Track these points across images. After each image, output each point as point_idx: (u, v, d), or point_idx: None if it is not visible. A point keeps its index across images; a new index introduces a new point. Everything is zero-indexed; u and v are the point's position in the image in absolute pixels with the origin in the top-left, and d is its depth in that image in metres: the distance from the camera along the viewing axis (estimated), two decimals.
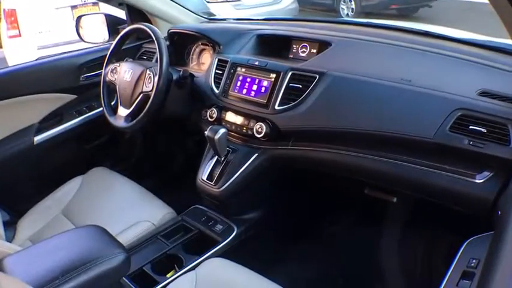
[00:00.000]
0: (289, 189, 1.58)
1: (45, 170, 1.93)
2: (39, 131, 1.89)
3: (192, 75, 1.67)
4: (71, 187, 1.81)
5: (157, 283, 1.31)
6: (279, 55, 1.55)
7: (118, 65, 1.71)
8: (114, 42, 1.74)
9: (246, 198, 1.50)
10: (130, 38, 1.98)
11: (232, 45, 1.61)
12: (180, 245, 1.45)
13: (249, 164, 1.42)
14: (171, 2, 1.99)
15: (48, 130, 1.90)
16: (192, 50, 1.86)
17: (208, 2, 5.79)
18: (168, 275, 1.35)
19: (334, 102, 1.24)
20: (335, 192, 1.58)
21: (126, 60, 1.75)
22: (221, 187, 1.43)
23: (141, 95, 1.57)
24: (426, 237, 1.56)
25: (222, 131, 1.37)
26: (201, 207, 1.61)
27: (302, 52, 1.54)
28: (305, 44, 1.53)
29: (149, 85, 1.54)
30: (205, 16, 2.09)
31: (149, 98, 1.52)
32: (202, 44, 1.80)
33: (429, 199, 1.17)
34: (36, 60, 2.02)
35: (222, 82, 1.52)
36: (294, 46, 1.57)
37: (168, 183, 2.08)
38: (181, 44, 1.86)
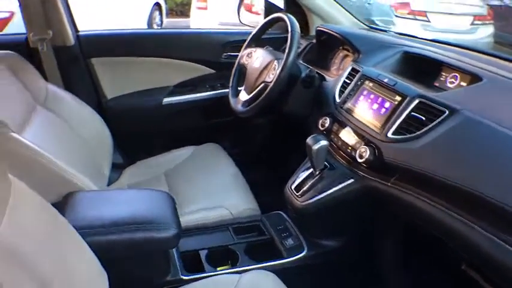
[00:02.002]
0: (379, 230, 1.37)
1: (166, 131, 2.03)
2: (171, 93, 1.99)
3: (322, 78, 1.56)
4: (181, 154, 1.88)
5: (203, 271, 1.27)
6: (421, 80, 1.33)
7: (254, 50, 1.69)
8: (256, 28, 1.72)
9: (326, 223, 1.34)
10: (281, 29, 1.96)
11: (372, 56, 1.45)
12: (245, 244, 1.38)
13: (341, 187, 1.25)
14: (334, 2, 1.89)
15: (178, 95, 2.00)
16: (336, 54, 1.74)
17: (397, 16, 5.55)
18: (218, 268, 1.29)
19: (456, 148, 1.00)
20: (429, 250, 1.30)
21: (266, 48, 1.72)
22: (305, 201, 1.30)
23: (262, 84, 1.53)
24: None
25: (323, 143, 1.23)
26: (284, 215, 1.51)
27: (450, 83, 1.29)
28: (456, 74, 1.28)
29: (271, 76, 1.48)
30: (366, 24, 1.95)
31: (267, 88, 1.46)
32: (344, 48, 1.66)
33: None
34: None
35: (346, 92, 1.38)
36: (443, 74, 1.33)
37: (270, 180, 2.02)
38: (328, 45, 1.76)
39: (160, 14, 6.99)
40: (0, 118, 1.19)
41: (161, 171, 1.80)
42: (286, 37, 1.96)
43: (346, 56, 1.69)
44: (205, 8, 4.66)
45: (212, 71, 2.02)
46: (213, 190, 1.60)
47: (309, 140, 1.26)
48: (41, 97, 1.54)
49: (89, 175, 1.46)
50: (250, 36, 1.73)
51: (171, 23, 7.32)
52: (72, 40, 1.77)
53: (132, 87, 1.97)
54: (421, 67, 1.37)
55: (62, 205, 1.14)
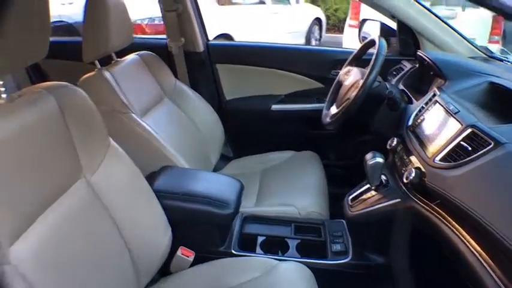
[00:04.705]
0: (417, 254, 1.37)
1: (271, 134, 2.26)
2: (281, 101, 2.22)
3: (409, 101, 1.60)
4: (281, 156, 2.10)
5: (251, 251, 1.45)
6: (505, 113, 1.30)
7: (352, 69, 1.80)
8: (357, 49, 1.83)
9: (372, 236, 1.40)
10: (393, 51, 2.04)
11: (458, 83, 1.44)
12: (299, 240, 1.51)
13: (388, 204, 1.31)
14: (448, 28, 1.88)
15: (287, 104, 2.22)
16: (434, 80, 1.75)
17: None
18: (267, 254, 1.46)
19: (491, 183, 0.99)
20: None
21: (365, 68, 1.81)
22: (355, 212, 1.39)
23: (347, 100, 1.63)
24: None
25: (378, 160, 1.32)
26: (345, 224, 1.59)
27: None
28: None
29: (353, 94, 1.58)
30: (484, 51, 1.88)
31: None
32: (437, 74, 1.67)
33: None
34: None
35: (418, 116, 1.42)
36: None
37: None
38: (428, 70, 1.77)
39: (320, 29, 7.31)
40: (130, 101, 1.58)
41: (259, 168, 2.04)
42: (397, 60, 2.03)
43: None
44: (357, 26, 4.78)
45: (321, 85, 2.19)
46: (292, 191, 1.77)
47: (367, 155, 1.35)
48: (169, 91, 1.91)
49: (195, 160, 1.79)
50: (351, 56, 1.84)
51: (329, 39, 7.56)
52: (201, 47, 2.14)
53: (248, 92, 2.26)
54: (507, 100, 1.33)
55: (154, 174, 1.46)
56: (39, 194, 0.91)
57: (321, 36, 7.39)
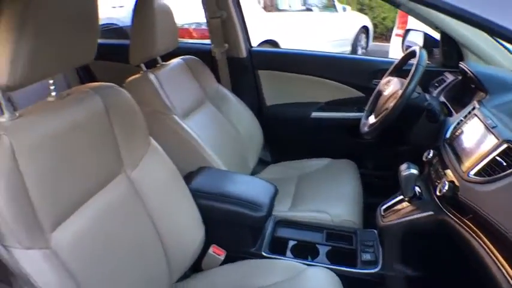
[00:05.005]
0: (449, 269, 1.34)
1: (310, 141, 2.28)
2: (320, 109, 2.24)
3: (449, 114, 1.58)
4: (318, 163, 2.13)
5: (281, 254, 1.48)
6: None
7: (392, 79, 1.79)
8: (398, 59, 1.82)
9: (402, 247, 1.39)
10: (436, 63, 2.01)
11: (498, 97, 1.42)
12: (330, 247, 1.52)
13: (421, 216, 1.30)
14: (492, 40, 1.83)
15: (327, 112, 2.23)
16: (477, 93, 1.71)
17: None
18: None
19: None
20: None
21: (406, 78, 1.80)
22: (387, 222, 1.39)
23: (385, 110, 1.63)
24: None
25: (412, 171, 1.31)
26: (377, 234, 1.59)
27: None
28: None
29: (391, 104, 1.58)
30: None
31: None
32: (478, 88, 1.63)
33: None
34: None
35: (456, 129, 1.40)
36: None
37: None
38: (470, 83, 1.74)
39: (367, 37, 7.22)
40: (173, 103, 1.66)
41: (296, 173, 2.07)
42: (440, 71, 2.00)
43: None
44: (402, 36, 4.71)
45: (362, 94, 2.18)
46: (327, 198, 1.78)
47: (401, 166, 1.35)
48: (211, 94, 1.98)
49: (233, 163, 1.84)
50: (392, 66, 1.84)
51: (376, 47, 7.46)
52: (244, 53, 2.20)
53: (288, 98, 2.29)
54: None
55: (192, 174, 1.52)
56: (81, 186, 0.98)
57: (367, 45, 7.29)
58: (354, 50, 6.73)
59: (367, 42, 7.27)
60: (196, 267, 1.38)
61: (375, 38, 7.92)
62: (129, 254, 1.06)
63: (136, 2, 1.54)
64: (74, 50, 0.98)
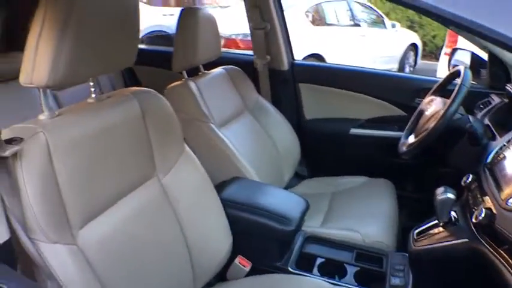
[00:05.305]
0: None
1: (347, 157, 2.24)
2: (360, 126, 2.20)
3: (492, 137, 1.52)
4: (354, 181, 2.08)
5: (308, 271, 1.45)
6: None
7: (435, 98, 1.75)
8: (443, 78, 1.77)
9: (433, 275, 1.33)
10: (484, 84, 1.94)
11: None
12: (358, 268, 1.48)
13: (454, 243, 1.24)
14: None
15: (366, 129, 2.19)
16: None
17: None
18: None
19: None
20: None
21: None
22: (418, 246, 1.34)
23: (425, 130, 1.59)
24: None
25: (449, 196, 1.26)
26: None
27: None
28: None
29: (431, 124, 1.53)
30: None
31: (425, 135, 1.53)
32: None
33: None
34: None
35: (498, 153, 1.34)
36: None
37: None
38: None
39: (415, 55, 7.07)
40: (211, 111, 1.69)
41: (330, 190, 2.04)
42: (486, 93, 1.93)
43: None
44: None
45: (403, 113, 2.13)
46: (361, 217, 1.74)
47: (437, 190, 1.30)
48: (250, 105, 1.99)
49: (267, 175, 1.84)
50: (436, 85, 1.79)
51: (424, 66, 7.28)
52: (286, 66, 2.20)
53: (328, 113, 2.27)
54: None
55: (224, 183, 1.53)
56: (113, 187, 1.00)
57: (415, 63, 7.14)
58: (401, 68, 6.59)
59: (415, 60, 7.11)
60: (221, 276, 1.38)
61: (424, 57, 7.74)
62: (155, 258, 1.07)
63: (181, 10, 1.59)
64: (114, 54, 1.01)
